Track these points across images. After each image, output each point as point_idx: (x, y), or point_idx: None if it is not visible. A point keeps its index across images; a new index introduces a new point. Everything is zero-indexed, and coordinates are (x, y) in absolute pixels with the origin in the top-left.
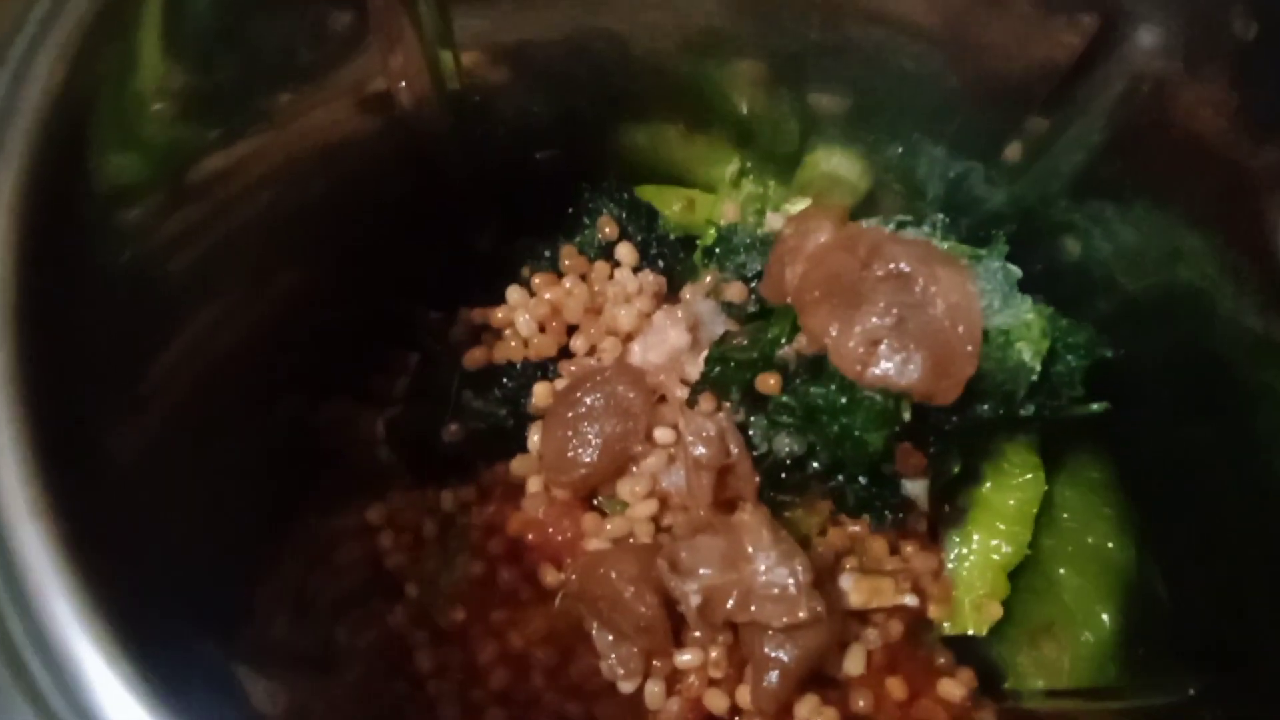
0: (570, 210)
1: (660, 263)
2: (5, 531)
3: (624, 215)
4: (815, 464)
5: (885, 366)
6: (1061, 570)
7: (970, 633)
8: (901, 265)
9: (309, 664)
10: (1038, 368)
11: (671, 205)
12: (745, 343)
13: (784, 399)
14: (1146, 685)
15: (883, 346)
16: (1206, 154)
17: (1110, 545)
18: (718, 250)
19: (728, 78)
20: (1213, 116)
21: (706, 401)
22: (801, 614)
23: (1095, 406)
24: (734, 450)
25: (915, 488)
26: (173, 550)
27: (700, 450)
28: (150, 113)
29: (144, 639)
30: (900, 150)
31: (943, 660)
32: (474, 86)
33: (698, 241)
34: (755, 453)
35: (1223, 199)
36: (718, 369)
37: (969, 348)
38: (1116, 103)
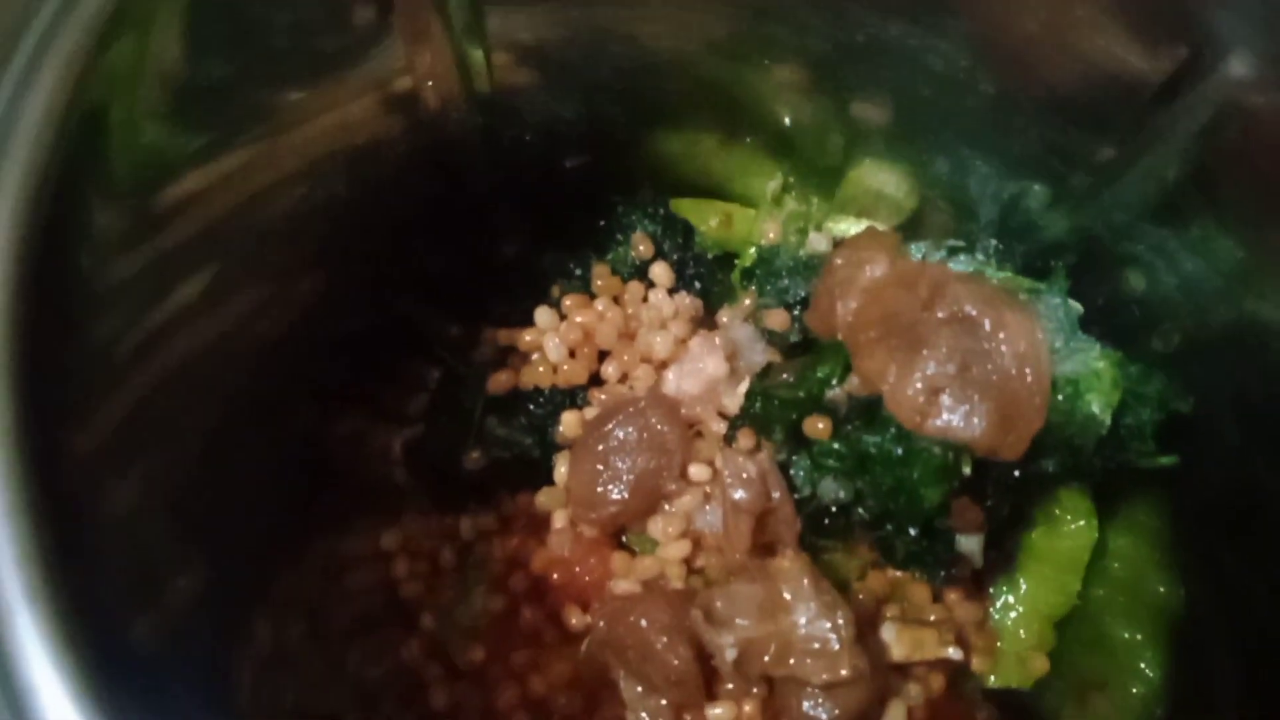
0: (602, 224)
1: (697, 284)
2: None
3: (659, 232)
4: (862, 511)
5: (947, 418)
6: (1112, 621)
7: (1015, 686)
8: (967, 308)
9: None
10: (1108, 421)
11: (708, 220)
12: (791, 379)
13: (834, 445)
14: None
15: (945, 396)
16: None
17: (1161, 595)
18: (758, 272)
19: (763, 84)
20: None
21: (746, 438)
22: (844, 671)
23: (1164, 460)
24: (775, 494)
25: (970, 543)
26: (169, 589)
27: (740, 494)
28: (170, 109)
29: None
30: (948, 167)
31: (983, 715)
32: (503, 88)
33: (736, 261)
34: (797, 496)
35: None
36: (760, 404)
37: (1037, 400)
38: (1199, 135)
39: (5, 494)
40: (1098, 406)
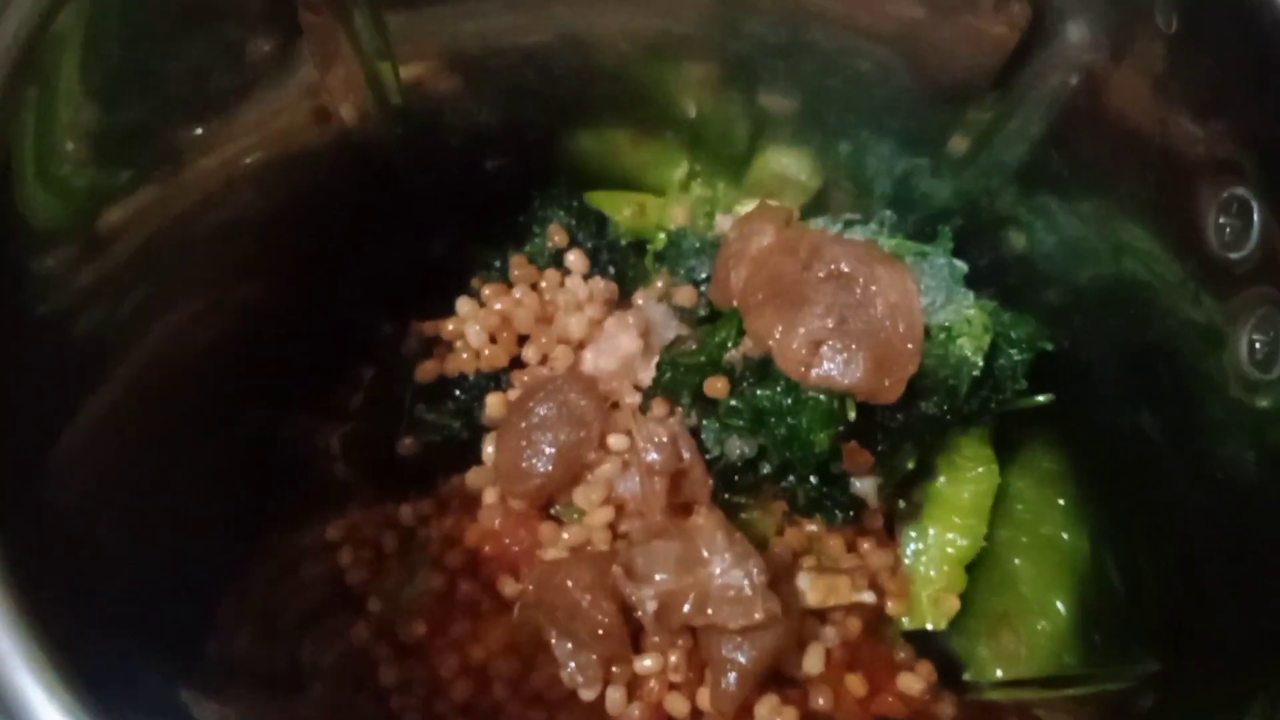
0: (520, 219)
1: (611, 269)
2: None
3: (574, 223)
4: (767, 466)
5: (828, 367)
6: (1017, 561)
7: (929, 627)
8: (842, 265)
9: (271, 684)
10: (980, 363)
11: (622, 210)
12: (694, 347)
13: (733, 402)
14: (1103, 671)
15: (825, 347)
16: (1137, 145)
17: (1064, 535)
18: (668, 254)
19: (678, 82)
20: (1140, 108)
21: (659, 407)
22: (758, 615)
23: (1040, 399)
24: (686, 455)
25: (865, 486)
26: (127, 576)
27: (653, 456)
28: (83, 147)
29: (88, 669)
30: (849, 149)
31: (902, 655)
32: (418, 98)
33: (648, 246)
34: (708, 456)
35: (1155, 190)
36: (668, 374)
37: (910, 345)
38: (1051, 95)
39: None
40: (969, 349)
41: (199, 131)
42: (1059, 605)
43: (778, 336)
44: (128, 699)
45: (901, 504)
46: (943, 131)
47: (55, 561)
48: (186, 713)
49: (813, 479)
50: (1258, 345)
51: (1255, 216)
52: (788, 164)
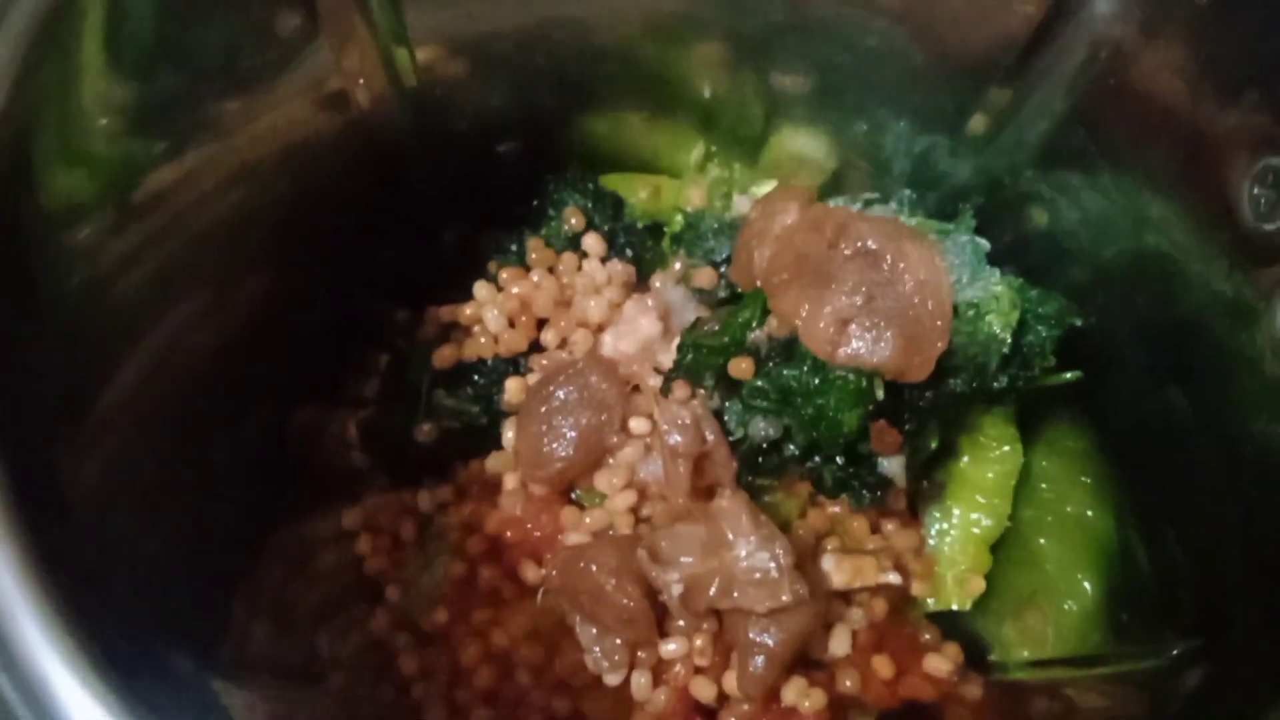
0: (535, 202)
1: (628, 251)
2: None
3: (590, 205)
4: (792, 447)
5: (856, 345)
6: (1042, 541)
7: (954, 608)
8: (869, 243)
9: (292, 674)
10: (1008, 339)
11: (637, 193)
12: (717, 328)
13: (758, 383)
14: (1130, 651)
15: (853, 325)
16: (1166, 119)
17: (1089, 514)
18: (685, 236)
19: (689, 62)
20: (1171, 82)
21: (680, 389)
22: (785, 597)
23: (1068, 376)
24: (709, 436)
25: (892, 465)
26: (146, 565)
27: (676, 438)
28: (100, 127)
29: (117, 657)
30: (865, 128)
31: (928, 636)
32: (432, 82)
33: (665, 229)
34: (731, 438)
35: (1185, 164)
36: (690, 356)
37: (939, 323)
38: (1077, 70)
39: None
40: (998, 326)
41: (214, 116)
42: (1085, 585)
43: (804, 315)
44: (159, 688)
45: (925, 484)
46: (962, 110)
47: (78, 551)
48: (217, 700)
49: (839, 459)
50: None
51: None
52: (804, 144)
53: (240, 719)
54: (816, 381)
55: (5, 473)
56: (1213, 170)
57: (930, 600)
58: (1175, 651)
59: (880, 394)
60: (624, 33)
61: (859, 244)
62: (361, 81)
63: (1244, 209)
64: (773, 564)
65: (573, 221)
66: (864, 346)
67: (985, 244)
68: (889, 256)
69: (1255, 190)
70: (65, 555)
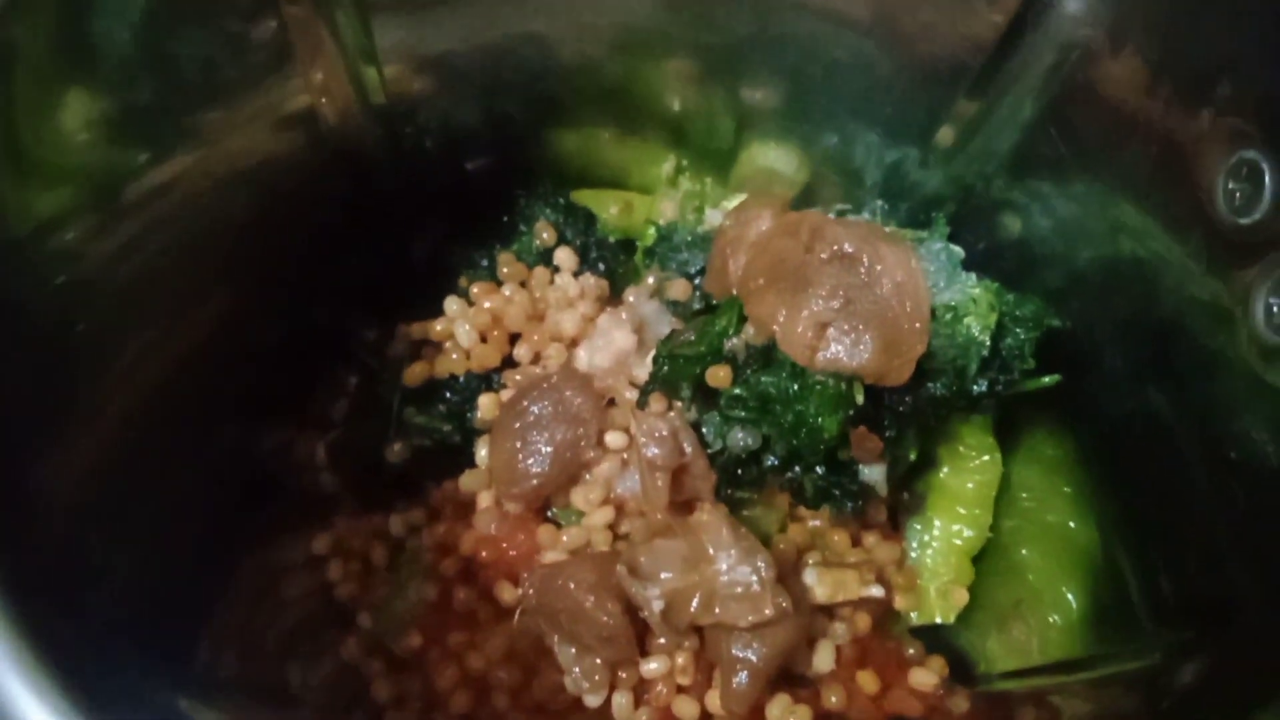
0: (505, 218)
1: (601, 266)
2: None
3: (561, 220)
4: (771, 457)
5: (835, 349)
6: (1024, 551)
7: (938, 621)
8: (845, 246)
9: (264, 696)
10: (987, 341)
11: (609, 209)
12: (693, 338)
13: (736, 391)
14: (1116, 652)
15: (831, 329)
16: (1137, 119)
17: (1071, 523)
18: (658, 249)
19: (659, 77)
20: (1141, 81)
21: (657, 402)
22: (768, 611)
23: (1047, 380)
24: (688, 449)
25: (873, 473)
26: (113, 589)
27: (653, 450)
28: (62, 141)
29: (84, 680)
30: (836, 140)
31: (912, 651)
32: (400, 98)
33: (638, 243)
34: (710, 450)
35: (1158, 163)
36: (666, 367)
37: (918, 325)
38: (1046, 74)
39: None
40: (976, 329)
41: (179, 131)
42: (1069, 597)
43: (781, 320)
44: (125, 705)
45: (905, 496)
46: (932, 120)
47: (46, 572)
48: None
49: (819, 468)
50: (1276, 309)
51: (1267, 179)
52: (774, 157)
53: None
54: (796, 387)
55: None
56: (1186, 168)
57: (914, 614)
58: (1162, 650)
59: (860, 398)
60: (592, 49)
61: (835, 247)
62: (327, 100)
63: (1219, 204)
64: (755, 577)
65: (544, 236)
66: (843, 350)
67: (960, 251)
68: (865, 259)
69: (1230, 185)
70: (36, 577)
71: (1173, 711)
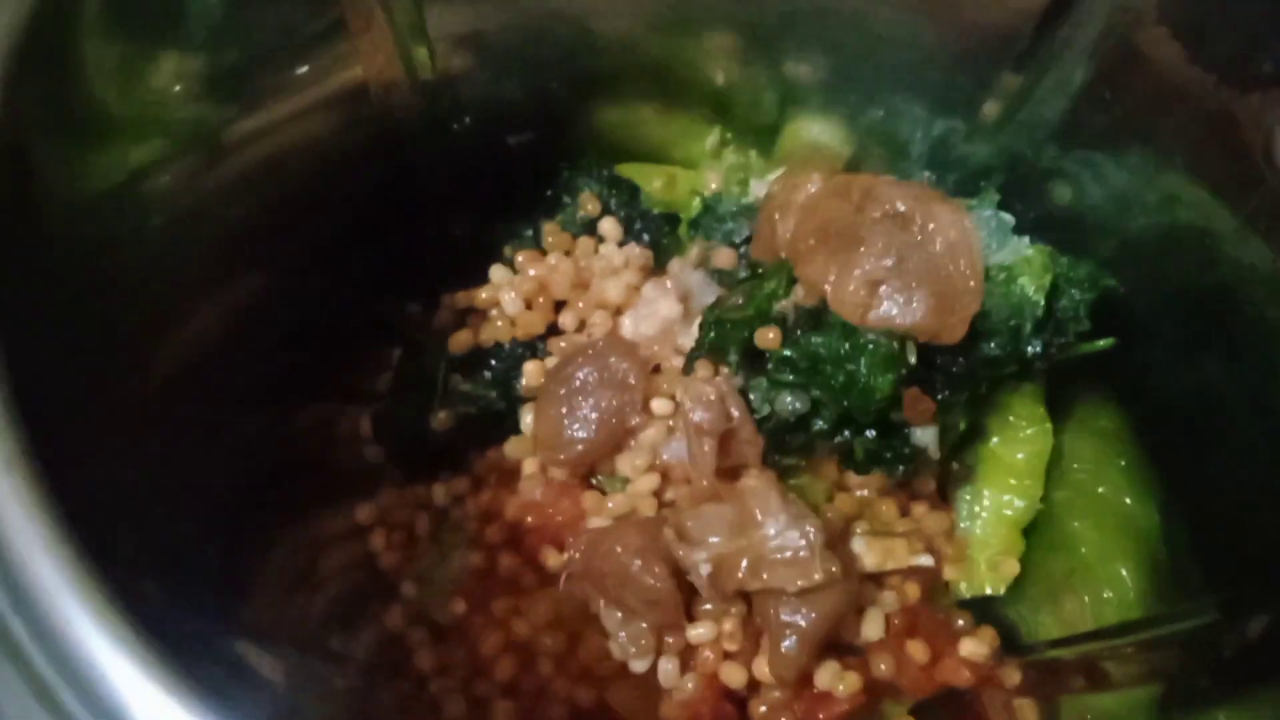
0: (549, 192)
1: (645, 237)
2: None
3: (605, 192)
4: (820, 421)
5: (887, 307)
6: (1076, 524)
7: (988, 592)
8: (898, 205)
9: (313, 655)
10: (1042, 301)
11: (652, 182)
12: (741, 301)
13: (785, 353)
14: (1171, 614)
15: (884, 288)
16: (1189, 86)
17: (1124, 495)
18: (703, 221)
19: (701, 52)
20: (1192, 46)
21: (704, 368)
22: (817, 575)
23: (1102, 343)
24: (735, 413)
25: (925, 436)
26: (162, 552)
27: (700, 415)
28: (111, 118)
29: (158, 626)
30: (881, 113)
31: (962, 622)
32: (446, 73)
33: (681, 217)
34: (757, 415)
35: (1210, 129)
36: (713, 332)
37: (972, 283)
38: (1096, 41)
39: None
40: (1031, 289)
41: (232, 104)
42: (1124, 574)
43: (832, 280)
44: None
45: (955, 466)
46: (979, 89)
47: (108, 537)
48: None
49: (870, 431)
50: None
51: None
52: (819, 131)
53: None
54: (847, 347)
55: (47, 480)
56: (1240, 128)
57: (963, 585)
58: (1218, 608)
59: (913, 358)
60: (637, 23)
61: (887, 207)
62: (376, 74)
63: (1277, 164)
64: (803, 542)
65: (588, 207)
66: (895, 308)
67: (1010, 218)
68: (918, 218)
69: None
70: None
71: (1234, 666)
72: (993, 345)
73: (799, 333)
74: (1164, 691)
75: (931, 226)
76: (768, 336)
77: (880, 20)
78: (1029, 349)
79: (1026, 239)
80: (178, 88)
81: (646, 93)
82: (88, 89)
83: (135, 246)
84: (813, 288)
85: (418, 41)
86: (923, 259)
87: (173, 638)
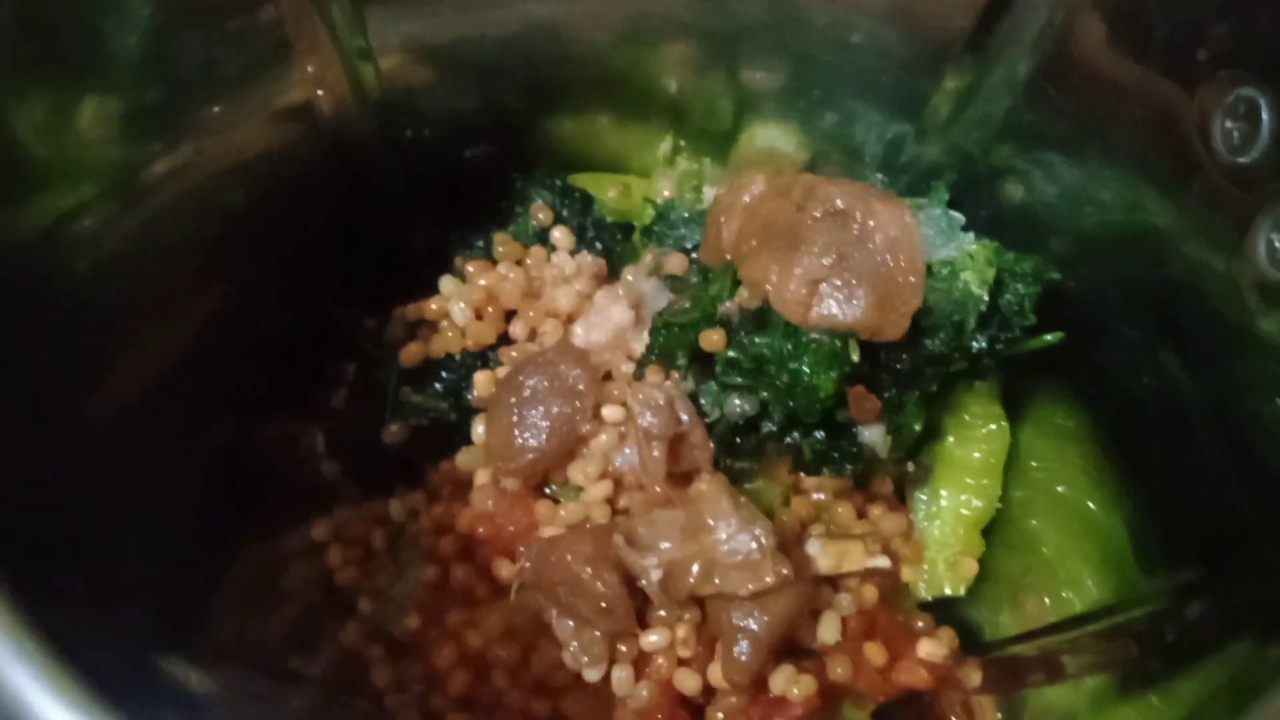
0: (503, 203)
1: (598, 245)
2: None
3: (558, 201)
4: (769, 424)
5: (829, 305)
6: (1035, 522)
7: (948, 593)
8: (837, 203)
9: (267, 676)
10: (985, 297)
11: (606, 192)
12: (687, 304)
13: (730, 354)
14: (1125, 602)
15: (824, 286)
16: (1132, 74)
17: (1083, 494)
18: (656, 228)
19: (660, 63)
20: (1135, 27)
21: (654, 374)
22: (768, 578)
23: (1050, 337)
24: (685, 418)
25: (873, 435)
26: (115, 571)
27: (650, 419)
28: (70, 140)
29: (92, 653)
30: (835, 117)
31: (921, 623)
32: (396, 89)
33: (635, 225)
34: (707, 420)
35: (1154, 117)
36: (662, 336)
37: (912, 279)
38: (1038, 33)
39: None
40: (974, 284)
41: (177, 128)
42: (1083, 571)
43: (774, 280)
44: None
45: (911, 467)
46: (927, 90)
47: (48, 555)
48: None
49: (818, 432)
50: (1278, 245)
51: (1264, 115)
52: (775, 137)
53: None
54: (790, 347)
55: None
56: (1183, 113)
57: (923, 586)
58: (1167, 594)
59: (855, 355)
60: (598, 37)
61: (827, 205)
62: (324, 94)
63: (1217, 146)
64: (754, 545)
65: (540, 216)
66: (836, 306)
67: (960, 217)
68: (858, 215)
69: (1228, 124)
70: (34, 557)
71: (1179, 650)
72: (937, 341)
73: (743, 334)
74: (1120, 677)
75: (872, 223)
76: (712, 339)
77: (836, 24)
78: (974, 344)
79: (971, 235)
80: (123, 113)
81: (603, 103)
82: (8, 136)
83: (64, 284)
84: (755, 288)
85: (364, 62)
86: (863, 256)
87: (114, 681)
